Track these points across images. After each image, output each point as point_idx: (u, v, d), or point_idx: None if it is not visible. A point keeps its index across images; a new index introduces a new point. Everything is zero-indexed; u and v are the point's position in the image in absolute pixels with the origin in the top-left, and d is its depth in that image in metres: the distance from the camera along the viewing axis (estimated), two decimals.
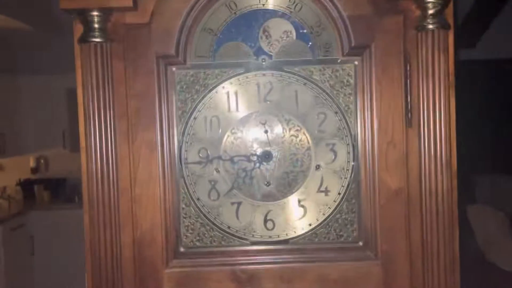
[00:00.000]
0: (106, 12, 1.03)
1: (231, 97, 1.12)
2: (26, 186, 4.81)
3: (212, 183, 1.12)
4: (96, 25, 1.02)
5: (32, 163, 4.94)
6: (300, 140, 1.12)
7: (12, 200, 4.58)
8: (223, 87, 1.12)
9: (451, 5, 1.05)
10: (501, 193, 4.33)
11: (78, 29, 1.05)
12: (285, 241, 1.13)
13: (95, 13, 1.02)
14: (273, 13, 1.11)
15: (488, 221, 3.62)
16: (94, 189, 1.04)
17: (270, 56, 1.11)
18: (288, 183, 1.13)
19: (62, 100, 4.68)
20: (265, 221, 1.13)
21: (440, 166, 1.04)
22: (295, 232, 1.13)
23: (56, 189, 4.85)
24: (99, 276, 1.04)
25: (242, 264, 1.09)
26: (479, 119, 4.64)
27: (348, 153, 1.12)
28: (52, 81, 4.65)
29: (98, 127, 1.03)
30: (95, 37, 1.02)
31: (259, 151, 1.12)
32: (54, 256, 4.35)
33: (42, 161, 4.98)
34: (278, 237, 1.13)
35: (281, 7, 1.10)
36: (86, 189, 1.05)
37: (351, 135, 1.11)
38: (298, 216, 1.13)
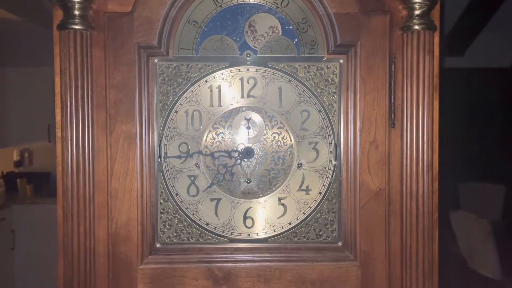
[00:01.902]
0: None
1: (214, 91, 1.10)
2: (9, 179, 4.72)
3: (192, 178, 1.10)
4: (76, 12, 1.00)
5: (15, 156, 4.85)
6: (283, 138, 1.10)
7: None
8: (206, 81, 1.10)
9: (437, 6, 1.05)
10: (484, 201, 4.37)
11: (58, 15, 1.02)
12: (264, 240, 1.11)
13: None
14: (259, 8, 1.09)
15: (471, 228, 3.65)
16: (69, 181, 1.01)
17: (255, 51, 1.10)
18: (269, 181, 1.11)
19: (48, 93, 4.60)
20: (245, 218, 1.11)
21: (421, 168, 1.03)
22: (274, 230, 1.11)
23: (39, 183, 4.76)
24: (71, 271, 1.02)
25: (219, 262, 1.07)
26: (465, 128, 4.68)
27: (331, 152, 1.10)
28: (39, 74, 4.58)
29: (75, 117, 1.01)
30: (75, 24, 1.00)
31: (240, 147, 1.10)
32: (35, 251, 4.27)
33: (26, 154, 4.90)
34: (257, 235, 1.11)
35: (268, 1, 1.09)
36: (61, 180, 1.02)
37: (334, 134, 1.10)
38: (278, 214, 1.11)
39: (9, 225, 4.29)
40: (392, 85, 1.05)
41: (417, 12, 1.02)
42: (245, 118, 1.10)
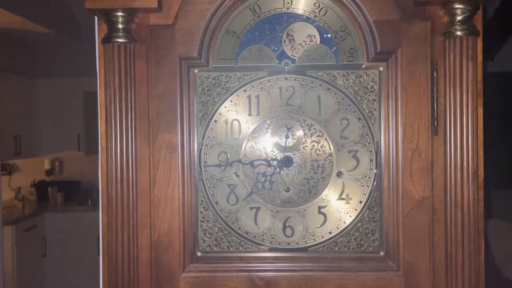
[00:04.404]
0: (130, 13, 1.03)
1: (253, 100, 1.11)
2: (40, 187, 4.85)
3: (231, 187, 1.11)
4: (120, 26, 1.02)
5: (47, 165, 4.99)
6: (322, 146, 1.10)
7: (26, 201, 4.63)
8: (245, 91, 1.11)
9: (480, 11, 1.03)
10: None
11: (102, 29, 1.05)
12: (304, 249, 1.10)
13: (119, 13, 1.02)
14: (297, 17, 1.10)
15: (506, 237, 3.54)
16: (113, 189, 1.03)
17: (293, 60, 1.10)
18: (308, 190, 1.10)
19: (78, 103, 4.74)
20: (284, 227, 1.11)
21: (466, 176, 1.01)
22: (314, 240, 1.10)
23: (69, 192, 4.88)
24: (115, 278, 1.03)
25: (259, 271, 1.07)
26: (498, 133, 4.55)
27: (371, 160, 1.09)
28: (70, 85, 4.71)
29: (119, 127, 1.03)
30: (119, 37, 1.02)
31: (279, 156, 1.10)
32: (65, 258, 4.37)
33: (56, 163, 5.03)
34: (297, 244, 1.11)
35: (306, 11, 1.09)
36: (105, 189, 1.04)
37: (374, 142, 1.09)
38: (318, 223, 1.10)
39: (40, 233, 4.40)
40: (435, 91, 1.03)
41: (459, 18, 1.01)
42: (286, 127, 1.10)
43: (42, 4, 3.96)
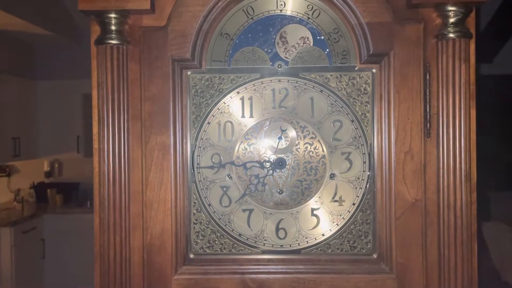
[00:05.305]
0: (123, 14, 1.03)
1: (246, 102, 1.11)
2: (40, 189, 4.85)
3: (224, 189, 1.11)
4: (113, 27, 1.03)
5: (46, 167, 4.98)
6: (315, 148, 1.10)
7: (25, 203, 4.62)
8: (238, 92, 1.11)
9: (473, 14, 1.03)
10: None
11: (95, 30, 1.05)
12: (297, 251, 1.10)
13: (112, 15, 1.02)
14: (290, 19, 1.10)
15: (504, 239, 3.53)
16: (105, 191, 1.03)
17: (286, 62, 1.10)
18: (301, 192, 1.10)
19: (77, 105, 4.74)
20: (277, 229, 1.10)
21: (459, 179, 1.01)
22: (307, 242, 1.10)
23: (68, 194, 4.88)
24: (108, 280, 1.03)
25: (252, 273, 1.07)
26: (495, 135, 4.55)
27: (364, 162, 1.09)
28: (69, 87, 4.71)
29: (112, 129, 1.03)
30: (111, 39, 1.02)
31: (272, 158, 1.10)
32: (64, 260, 4.36)
33: (56, 165, 5.03)
34: (290, 246, 1.10)
35: (299, 13, 1.09)
36: (98, 191, 1.04)
37: (367, 144, 1.09)
38: (311, 225, 1.10)
39: (39, 234, 4.39)
40: (427, 94, 1.03)
41: (451, 20, 1.01)
42: (280, 129, 1.10)
43: (42, 6, 3.97)
